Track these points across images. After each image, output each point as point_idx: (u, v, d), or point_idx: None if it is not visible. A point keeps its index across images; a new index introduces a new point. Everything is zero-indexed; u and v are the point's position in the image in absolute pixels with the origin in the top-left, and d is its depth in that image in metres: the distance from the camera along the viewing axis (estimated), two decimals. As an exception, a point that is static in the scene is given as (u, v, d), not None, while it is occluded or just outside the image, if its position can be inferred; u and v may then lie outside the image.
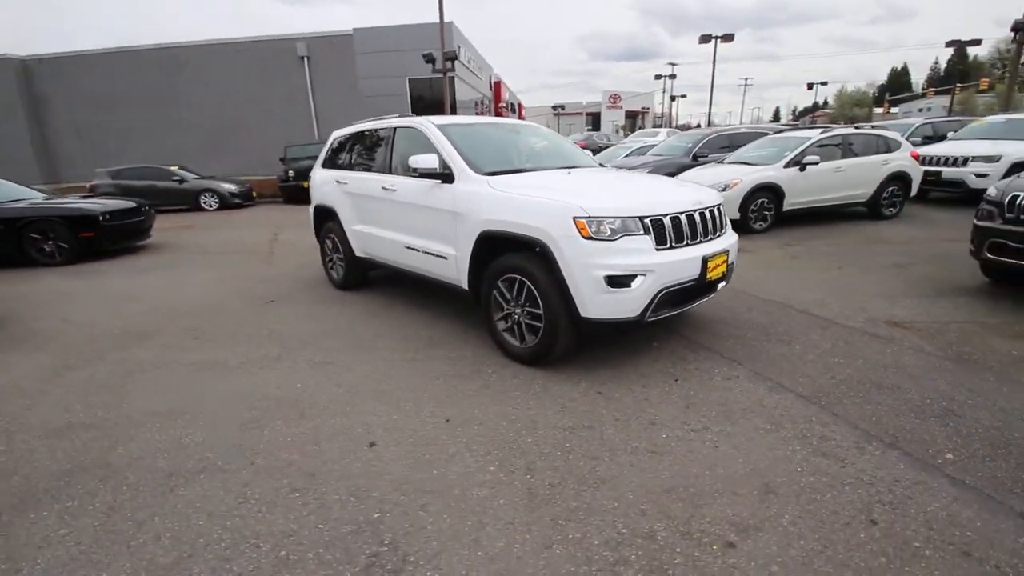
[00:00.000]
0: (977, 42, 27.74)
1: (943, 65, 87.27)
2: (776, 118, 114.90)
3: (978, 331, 3.77)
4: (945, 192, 9.80)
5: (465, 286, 3.84)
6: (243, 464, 2.48)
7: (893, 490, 2.14)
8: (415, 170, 3.84)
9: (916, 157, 8.87)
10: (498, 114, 28.08)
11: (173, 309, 5.12)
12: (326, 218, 5.56)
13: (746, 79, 66.46)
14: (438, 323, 4.38)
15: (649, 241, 3.07)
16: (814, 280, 5.28)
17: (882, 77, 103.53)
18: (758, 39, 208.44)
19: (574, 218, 3.02)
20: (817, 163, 8.00)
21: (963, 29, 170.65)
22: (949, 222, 8.23)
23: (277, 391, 3.25)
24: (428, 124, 4.21)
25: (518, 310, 3.44)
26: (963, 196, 9.40)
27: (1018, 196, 4.16)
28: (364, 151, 5.02)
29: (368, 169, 4.88)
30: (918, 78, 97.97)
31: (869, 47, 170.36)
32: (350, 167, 5.15)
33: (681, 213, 3.22)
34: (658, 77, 38.62)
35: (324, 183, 5.50)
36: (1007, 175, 9.10)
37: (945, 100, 54.94)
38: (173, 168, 14.11)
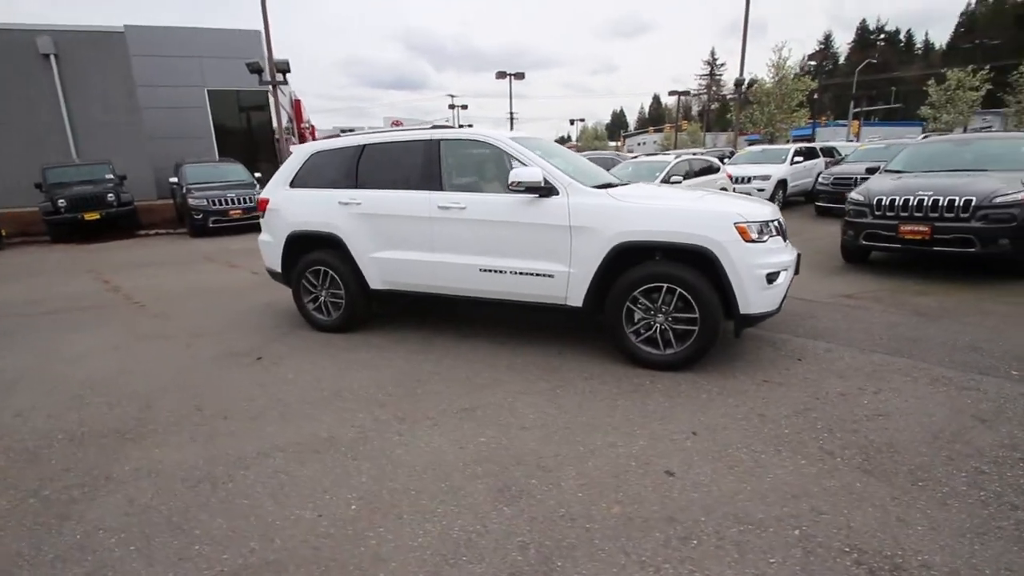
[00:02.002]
0: (687, 92, 36.95)
1: (647, 110, 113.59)
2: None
3: (895, 294, 5.26)
4: (739, 203, 12.92)
5: (578, 303, 3.68)
6: (580, 535, 2.02)
7: (1030, 400, 2.97)
8: (519, 184, 3.56)
9: (729, 176, 11.55)
10: (302, 136, 25.67)
11: (110, 391, 3.53)
12: (311, 247, 4.55)
13: (512, 113, 74.54)
14: (522, 349, 4.03)
15: (781, 241, 3.52)
16: (748, 273, 6.49)
17: (606, 117, 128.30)
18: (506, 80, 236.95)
19: (735, 224, 3.27)
20: (680, 181, 9.77)
21: (651, 84, 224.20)
22: (760, 225, 10.86)
23: (467, 451, 2.63)
24: (503, 137, 3.91)
25: (660, 318, 3.49)
26: (752, 206, 12.63)
27: (883, 199, 5.95)
28: (383, 166, 4.30)
29: (395, 187, 4.21)
30: (631, 119, 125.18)
31: (591, 92, 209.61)
32: (355, 185, 4.34)
33: (777, 219, 3.75)
34: (452, 107, 40.73)
35: (307, 205, 4.50)
36: (776, 189, 12.57)
37: (655, 136, 72.00)
38: None
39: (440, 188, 4.03)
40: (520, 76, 28.91)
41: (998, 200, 5.24)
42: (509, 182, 3.59)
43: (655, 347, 3.54)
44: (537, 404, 3.14)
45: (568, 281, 3.67)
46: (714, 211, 3.35)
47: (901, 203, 5.78)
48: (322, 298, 4.63)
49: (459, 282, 4.03)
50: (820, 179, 12.67)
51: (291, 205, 4.61)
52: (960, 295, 5.10)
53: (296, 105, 24.81)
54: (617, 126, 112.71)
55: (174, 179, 12.27)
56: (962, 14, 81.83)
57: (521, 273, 3.79)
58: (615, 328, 3.61)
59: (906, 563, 1.83)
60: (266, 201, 4.78)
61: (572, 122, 50.79)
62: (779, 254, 3.44)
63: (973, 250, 5.34)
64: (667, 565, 1.86)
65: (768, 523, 2.05)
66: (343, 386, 3.49)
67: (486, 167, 3.93)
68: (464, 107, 39.18)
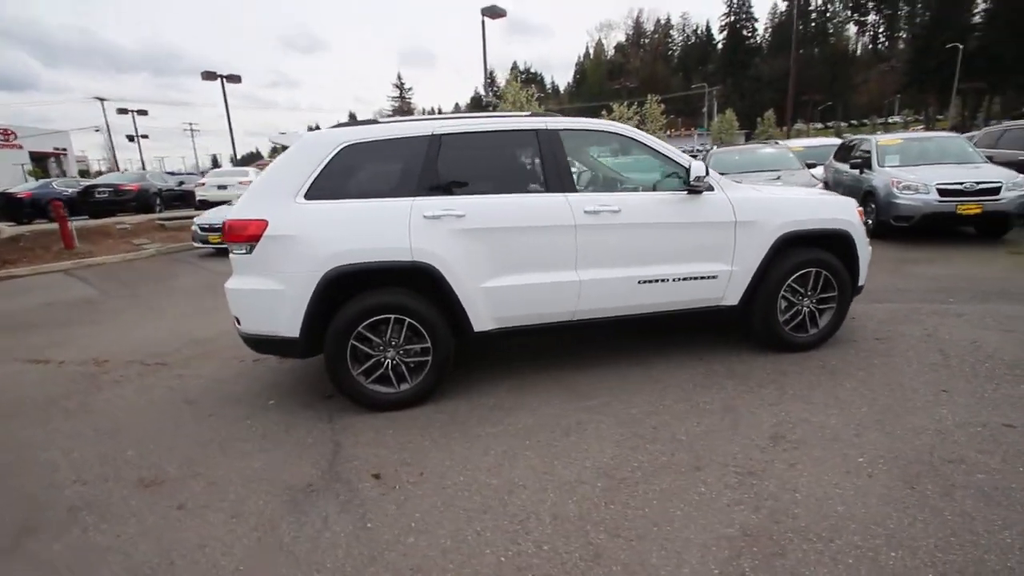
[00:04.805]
0: (410, 111, 38.15)
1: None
2: (216, 164, 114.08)
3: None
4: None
5: (735, 302, 3.56)
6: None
7: None
8: (699, 180, 3.20)
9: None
10: None
11: None
12: (364, 288, 2.99)
13: (191, 124, 62.79)
14: (668, 365, 3.59)
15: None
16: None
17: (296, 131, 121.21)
18: (161, 85, 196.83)
19: (857, 209, 3.73)
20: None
21: (337, 101, 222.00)
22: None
23: (869, 471, 2.27)
24: (631, 128, 3.38)
25: (806, 301, 3.68)
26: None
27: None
28: (481, 164, 3.14)
29: (507, 190, 3.16)
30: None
31: (273, 105, 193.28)
32: (439, 190, 3.05)
33: None
34: (122, 112, 30.60)
35: (359, 225, 2.94)
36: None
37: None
38: None
39: (573, 189, 3.24)
40: (236, 79, 24.28)
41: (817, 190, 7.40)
42: (692, 177, 3.19)
43: (801, 330, 3.72)
44: (809, 409, 2.91)
45: (729, 280, 3.49)
46: (844, 200, 3.76)
47: (755, 195, 7.51)
48: (388, 362, 3.09)
49: (611, 301, 3.33)
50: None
51: (323, 228, 2.91)
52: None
53: None
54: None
55: None
56: (576, 64, 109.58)
57: (684, 279, 3.40)
58: (769, 319, 3.62)
59: None
60: (260, 224, 2.88)
61: (283, 134, 45.99)
62: (863, 231, 4.09)
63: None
64: None
65: None
66: (602, 466, 2.47)
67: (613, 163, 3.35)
68: (143, 112, 30.70)
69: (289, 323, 2.95)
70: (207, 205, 14.25)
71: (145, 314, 6.01)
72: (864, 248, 3.75)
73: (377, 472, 2.52)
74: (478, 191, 3.14)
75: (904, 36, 72.57)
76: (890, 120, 65.15)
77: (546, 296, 3.23)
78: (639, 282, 3.34)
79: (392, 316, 3.03)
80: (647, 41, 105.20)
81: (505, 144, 3.29)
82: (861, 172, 8.58)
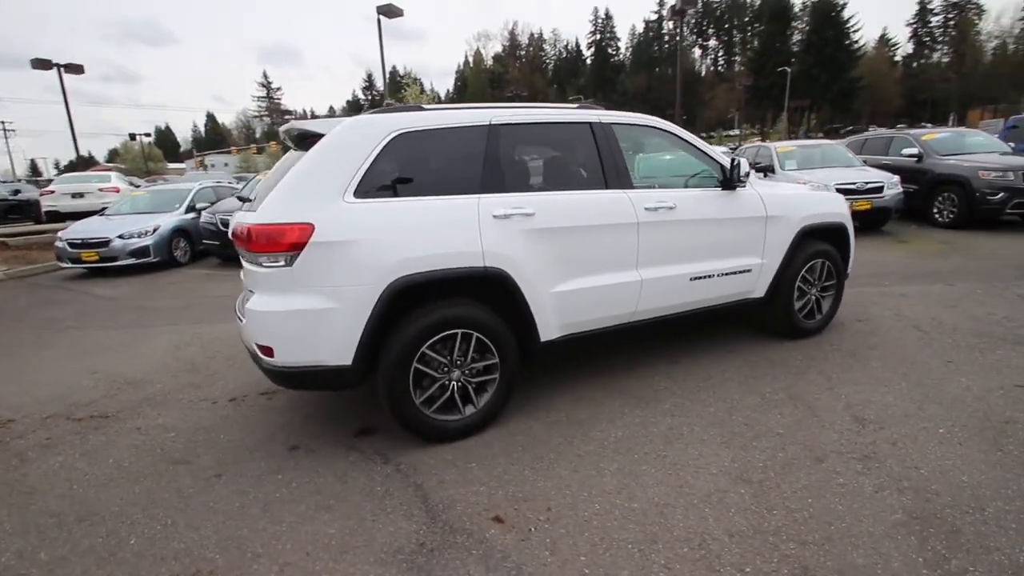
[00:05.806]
0: (289, 112, 35.26)
1: (202, 128, 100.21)
2: (36, 171, 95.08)
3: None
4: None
5: (762, 294, 3.71)
6: None
7: None
8: (747, 175, 3.23)
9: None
10: None
11: None
12: (428, 300, 2.58)
13: (3, 123, 51.73)
14: (705, 359, 3.61)
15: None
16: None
17: (136, 130, 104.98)
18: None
19: (846, 202, 4.08)
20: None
21: (191, 100, 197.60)
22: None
23: (959, 432, 2.45)
24: (670, 124, 3.34)
25: (813, 291, 3.95)
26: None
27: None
28: (541, 160, 2.85)
29: (567, 186, 2.93)
30: (180, 138, 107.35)
31: (109, 102, 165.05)
32: (501, 187, 2.72)
33: None
34: None
35: (424, 228, 2.52)
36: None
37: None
38: None
39: (631, 185, 3.12)
40: (77, 69, 20.08)
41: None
42: (742, 173, 3.23)
43: (811, 317, 3.99)
44: (862, 390, 3.09)
45: (760, 272, 3.63)
46: (837, 195, 4.09)
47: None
48: (454, 384, 2.69)
49: (667, 299, 3.25)
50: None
51: (384, 231, 2.44)
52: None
53: None
54: (166, 145, 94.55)
55: None
56: (457, 71, 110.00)
57: (727, 274, 3.45)
58: (788, 308, 3.82)
59: None
60: (305, 229, 2.33)
61: (133, 137, 39.72)
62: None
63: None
64: None
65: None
66: (730, 470, 2.37)
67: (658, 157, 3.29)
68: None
69: (341, 348, 2.44)
70: (58, 217, 11.77)
71: (33, 355, 4.69)
72: (851, 239, 4.14)
73: (496, 515, 2.15)
74: (541, 187, 2.89)
75: (739, 60, 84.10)
76: (731, 133, 75.01)
77: (611, 298, 3.06)
78: (691, 279, 3.32)
79: (459, 331, 2.64)
80: (523, 53, 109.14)
81: (562, 137, 3.08)
82: (765, 176, 9.61)
